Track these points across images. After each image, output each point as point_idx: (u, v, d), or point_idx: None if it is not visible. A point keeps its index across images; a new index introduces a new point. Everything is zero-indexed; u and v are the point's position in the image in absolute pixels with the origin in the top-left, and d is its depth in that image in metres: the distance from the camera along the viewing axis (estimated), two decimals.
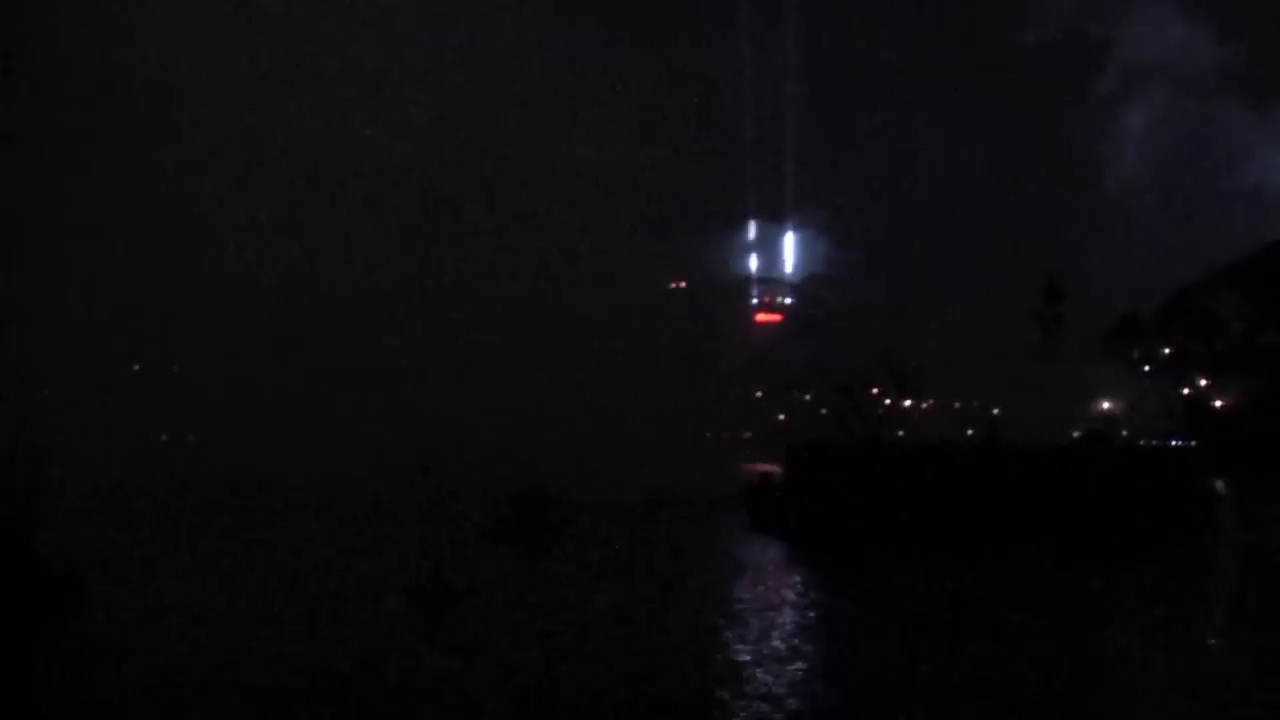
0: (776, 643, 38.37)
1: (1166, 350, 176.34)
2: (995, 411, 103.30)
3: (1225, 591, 54.47)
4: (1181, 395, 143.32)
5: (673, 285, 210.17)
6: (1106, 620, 45.87)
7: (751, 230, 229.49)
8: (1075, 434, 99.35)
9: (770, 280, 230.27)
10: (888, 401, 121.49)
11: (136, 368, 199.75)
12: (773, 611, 45.11)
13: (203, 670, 33.35)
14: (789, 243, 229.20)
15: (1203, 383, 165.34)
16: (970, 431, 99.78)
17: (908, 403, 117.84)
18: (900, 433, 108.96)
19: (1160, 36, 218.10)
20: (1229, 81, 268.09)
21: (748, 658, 35.61)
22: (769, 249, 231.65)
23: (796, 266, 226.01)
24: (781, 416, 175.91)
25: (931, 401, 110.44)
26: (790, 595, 50.30)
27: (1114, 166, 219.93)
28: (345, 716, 29.27)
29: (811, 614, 45.23)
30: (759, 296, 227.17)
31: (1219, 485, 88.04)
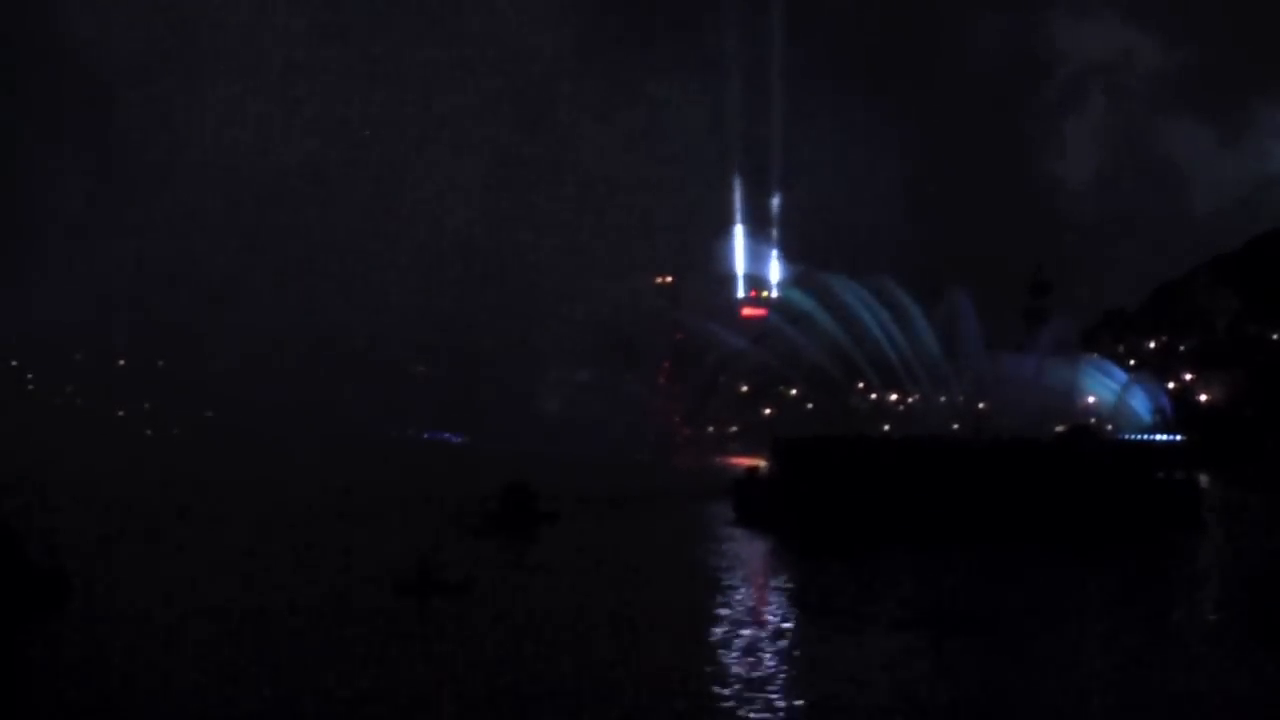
0: (766, 644, 38.47)
1: (1151, 344, 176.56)
2: (981, 406, 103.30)
3: (1209, 585, 54.67)
4: (1167, 389, 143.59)
5: (659, 281, 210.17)
6: (1091, 615, 46.06)
7: (739, 227, 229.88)
8: (1059, 428, 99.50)
9: (756, 276, 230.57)
10: (873, 396, 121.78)
11: (122, 363, 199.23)
12: (759, 609, 45.23)
13: (188, 666, 33.33)
14: (775, 239, 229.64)
15: (1188, 377, 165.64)
16: (956, 426, 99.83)
17: (893, 397, 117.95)
18: (886, 427, 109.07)
19: (1114, 45, 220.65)
20: (1194, 84, 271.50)
21: (738, 658, 35.73)
22: (756, 246, 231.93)
23: (783, 263, 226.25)
24: (767, 411, 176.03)
25: (917, 396, 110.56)
26: (776, 589, 50.43)
27: (1090, 167, 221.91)
28: (335, 713, 29.27)
29: (798, 607, 45.36)
30: (745, 292, 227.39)
31: (1204, 479, 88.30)
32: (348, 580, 48.82)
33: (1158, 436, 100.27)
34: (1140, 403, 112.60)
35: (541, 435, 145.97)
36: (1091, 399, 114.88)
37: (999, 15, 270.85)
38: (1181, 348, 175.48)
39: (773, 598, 47.79)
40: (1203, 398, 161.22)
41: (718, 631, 39.02)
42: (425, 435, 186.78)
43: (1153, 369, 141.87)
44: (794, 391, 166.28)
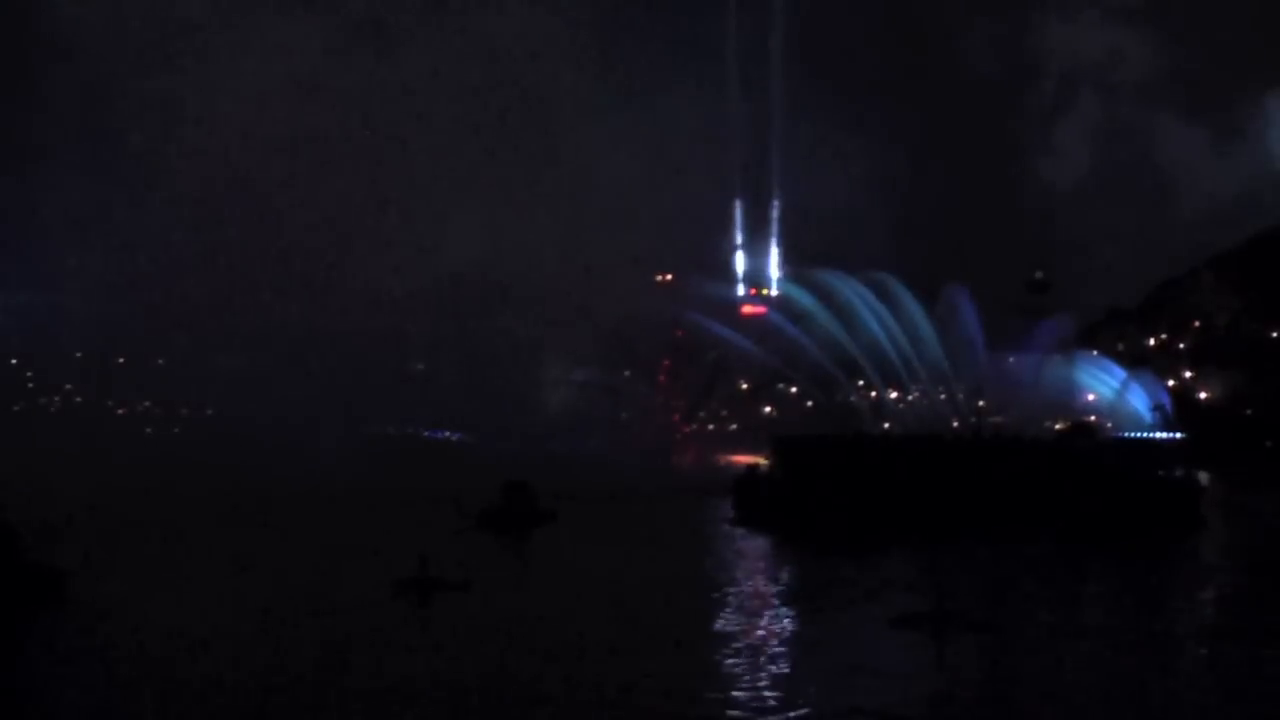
0: (766, 642, 38.42)
1: (1151, 342, 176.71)
2: (981, 403, 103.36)
3: (1207, 584, 54.58)
4: (1167, 387, 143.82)
5: (658, 278, 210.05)
6: (1091, 613, 46.00)
7: (738, 225, 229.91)
8: (1057, 426, 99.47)
9: (756, 274, 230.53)
10: (873, 394, 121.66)
11: (121, 361, 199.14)
12: (759, 607, 45.18)
13: (185, 664, 33.22)
14: (775, 237, 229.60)
15: (1188, 374, 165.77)
16: (956, 424, 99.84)
17: (893, 395, 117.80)
18: (886, 425, 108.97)
19: (1105, 46, 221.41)
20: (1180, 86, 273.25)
21: (737, 658, 35.64)
22: (755, 244, 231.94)
23: (783, 261, 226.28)
24: (767, 409, 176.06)
25: (917, 393, 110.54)
26: (776, 587, 50.37)
27: (1085, 167, 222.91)
28: (327, 716, 29.16)
29: (798, 605, 45.27)
30: (745, 290, 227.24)
31: (1204, 477, 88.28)
32: (347, 577, 48.75)
33: (1158, 434, 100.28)
34: (1139, 400, 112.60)
35: (541, 433, 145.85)
36: (1091, 397, 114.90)
37: (991, 19, 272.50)
38: (1181, 346, 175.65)
39: (772, 596, 47.72)
40: (1203, 396, 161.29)
41: (717, 630, 38.94)
42: (425, 433, 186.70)
43: (1153, 367, 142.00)
44: (794, 389, 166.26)
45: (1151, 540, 65.31)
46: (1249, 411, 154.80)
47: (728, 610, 43.06)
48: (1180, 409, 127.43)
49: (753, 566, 57.23)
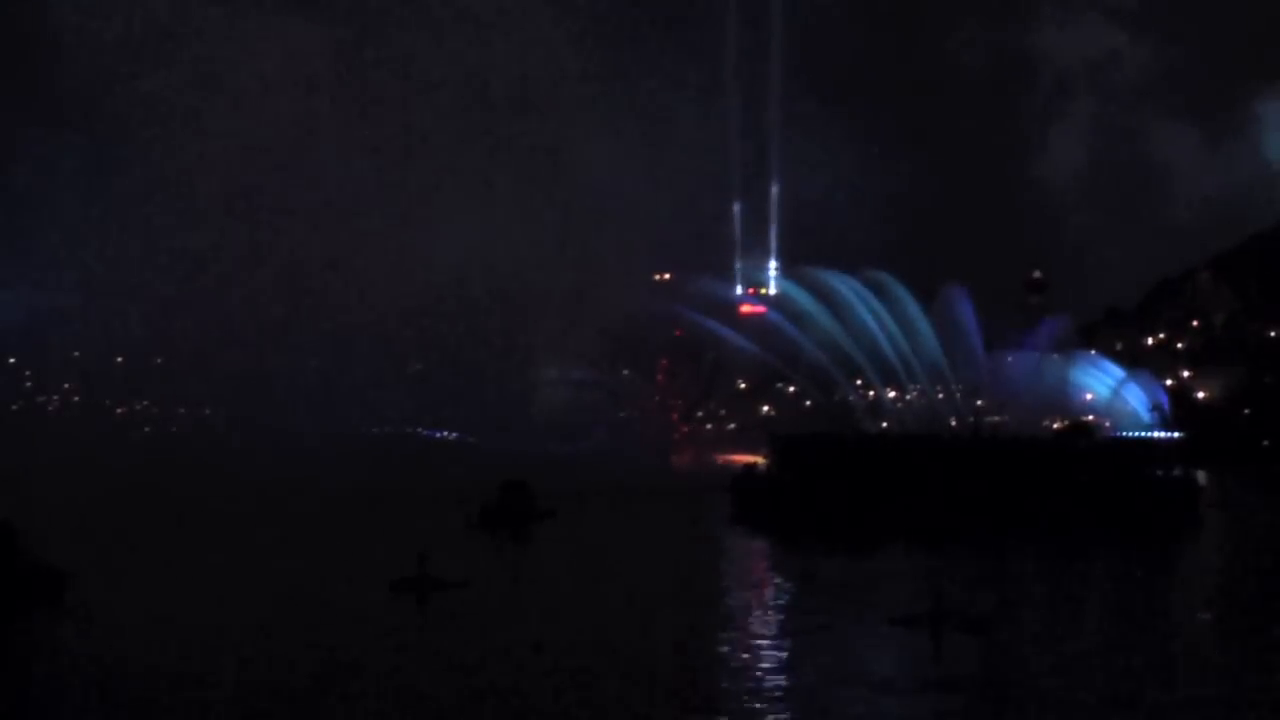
0: (763, 640, 38.51)
1: (1149, 342, 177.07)
2: (979, 403, 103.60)
3: (1206, 584, 54.69)
4: (1165, 386, 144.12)
5: (657, 278, 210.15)
6: (1088, 613, 46.09)
7: (737, 225, 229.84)
8: (1055, 425, 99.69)
9: (755, 273, 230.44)
10: (871, 393, 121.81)
11: (120, 360, 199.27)
12: (757, 605, 45.27)
13: (179, 667, 33.28)
14: (773, 236, 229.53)
15: (1186, 374, 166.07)
16: (954, 423, 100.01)
17: (891, 394, 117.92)
18: (884, 424, 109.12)
19: (1101, 47, 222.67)
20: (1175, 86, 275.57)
21: (735, 656, 35.73)
22: (754, 243, 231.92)
23: (780, 260, 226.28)
24: (766, 408, 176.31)
25: (915, 392, 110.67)
26: (774, 586, 50.46)
27: (1082, 167, 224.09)
28: (326, 717, 29.22)
29: (796, 604, 45.36)
30: (744, 289, 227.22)
31: (1201, 476, 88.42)
32: (346, 577, 48.81)
33: (1156, 434, 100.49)
34: (1138, 400, 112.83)
35: (539, 433, 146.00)
36: (1089, 396, 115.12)
37: (989, 20, 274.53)
38: (1180, 345, 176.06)
39: (769, 594, 47.80)
40: (1201, 395, 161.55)
41: (714, 629, 39.01)
42: (424, 433, 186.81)
43: (1151, 366, 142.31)
44: (792, 389, 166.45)
45: (1150, 540, 65.42)
46: (1247, 411, 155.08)
47: (725, 609, 43.12)
48: (1178, 408, 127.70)
49: (750, 565, 57.33)
